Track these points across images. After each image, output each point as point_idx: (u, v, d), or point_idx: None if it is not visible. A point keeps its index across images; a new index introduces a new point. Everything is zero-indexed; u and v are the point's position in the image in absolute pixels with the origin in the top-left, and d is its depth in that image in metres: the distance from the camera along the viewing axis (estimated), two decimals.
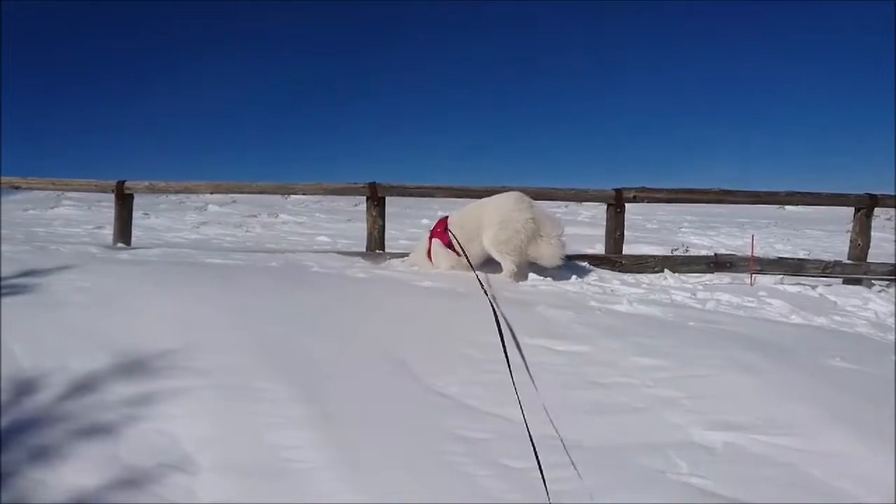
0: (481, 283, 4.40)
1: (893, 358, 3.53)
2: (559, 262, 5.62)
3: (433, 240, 5.91)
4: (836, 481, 2.18)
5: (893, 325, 5.00)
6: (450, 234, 5.75)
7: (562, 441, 2.40)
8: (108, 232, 8.06)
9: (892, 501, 2.08)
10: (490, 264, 5.68)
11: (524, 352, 3.25)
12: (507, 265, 5.48)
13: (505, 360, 2.98)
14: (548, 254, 5.55)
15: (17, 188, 8.12)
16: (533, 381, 2.86)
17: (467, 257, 5.37)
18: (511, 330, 3.50)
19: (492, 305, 3.75)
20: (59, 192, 17.18)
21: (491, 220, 5.56)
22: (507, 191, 6.30)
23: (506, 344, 3.15)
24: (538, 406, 2.64)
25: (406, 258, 6.45)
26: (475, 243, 5.63)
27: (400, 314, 3.86)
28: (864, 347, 3.92)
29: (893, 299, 5.89)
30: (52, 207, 16.55)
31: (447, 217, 5.98)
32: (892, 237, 12.44)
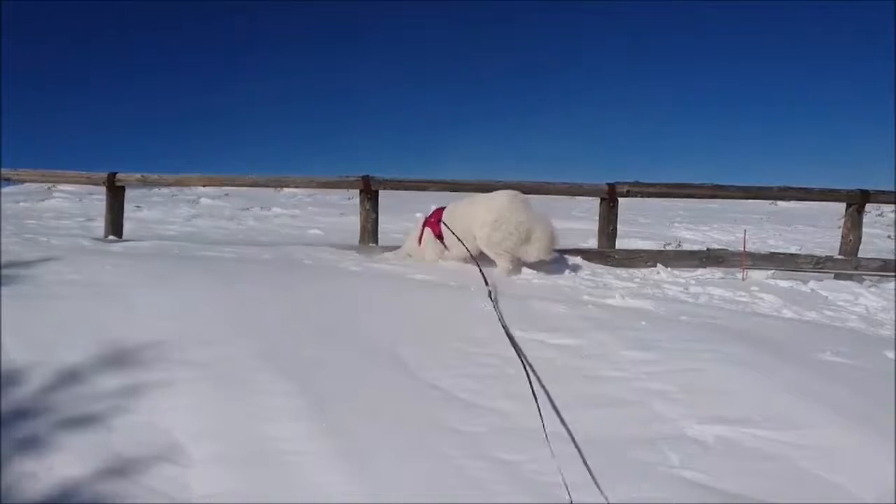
0: (484, 278, 4.41)
1: (883, 352, 3.55)
2: (547, 256, 5.62)
3: (426, 228, 5.96)
4: (827, 474, 2.19)
5: (883, 320, 5.03)
6: (443, 225, 5.78)
7: (570, 432, 2.40)
8: (100, 224, 8.01)
9: (886, 494, 2.08)
10: (482, 258, 5.68)
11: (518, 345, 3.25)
12: (502, 263, 5.49)
13: (518, 356, 2.98)
14: (536, 252, 5.55)
15: (8, 180, 8.06)
16: (534, 375, 2.86)
17: (467, 248, 5.40)
18: (504, 324, 3.50)
19: (493, 302, 3.75)
20: (51, 185, 17.13)
21: (485, 218, 5.55)
22: (500, 185, 6.30)
23: (509, 338, 3.15)
24: (529, 400, 2.64)
25: (398, 249, 6.45)
26: (466, 239, 5.64)
27: (392, 307, 3.86)
28: (855, 342, 3.93)
29: (885, 294, 5.92)
30: (44, 199, 16.47)
31: (443, 208, 6.00)
32: (883, 233, 12.51)
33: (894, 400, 2.69)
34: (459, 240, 5.59)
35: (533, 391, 2.57)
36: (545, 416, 2.48)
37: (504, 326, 3.35)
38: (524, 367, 2.87)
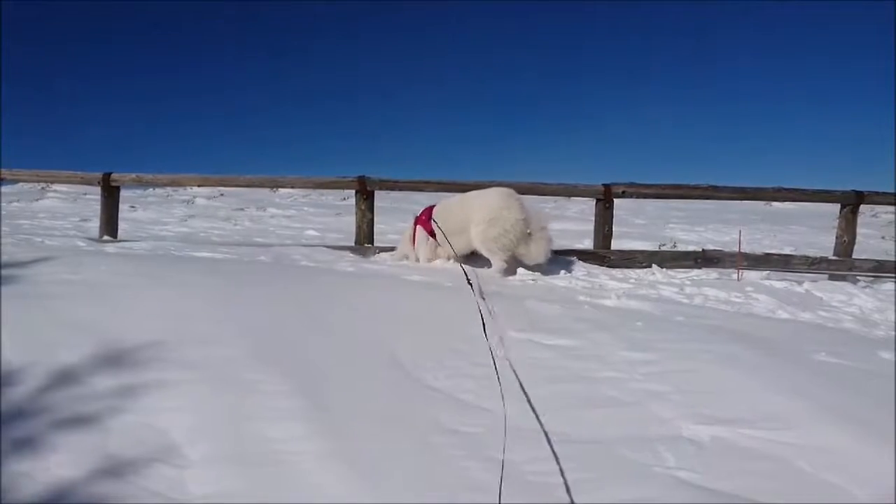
0: (467, 277, 4.40)
1: (878, 353, 3.57)
2: (544, 259, 5.61)
3: (417, 227, 5.95)
4: (824, 474, 2.19)
5: (878, 321, 5.05)
6: (433, 223, 5.76)
7: (545, 434, 2.41)
8: (94, 225, 7.99)
9: (883, 494, 2.09)
10: (476, 258, 5.69)
11: (514, 346, 3.26)
12: (497, 262, 5.48)
13: (490, 354, 2.99)
14: (534, 252, 5.55)
15: (3, 180, 8.02)
16: (517, 375, 2.86)
17: (452, 247, 5.39)
18: (484, 324, 3.50)
19: (477, 300, 3.75)
20: (45, 185, 17.09)
21: (479, 216, 5.53)
22: (496, 185, 6.30)
23: (488, 338, 3.16)
24: (526, 399, 2.64)
25: (394, 251, 6.46)
26: (459, 237, 5.63)
27: (389, 308, 3.86)
28: (850, 342, 3.95)
29: (879, 295, 5.94)
30: (38, 200, 16.42)
31: (433, 206, 5.99)
32: (877, 234, 12.57)
33: (894, 400, 2.71)
34: (447, 238, 5.58)
35: (500, 390, 2.55)
36: (531, 417, 2.49)
37: (483, 325, 3.34)
38: (495, 367, 2.86)
